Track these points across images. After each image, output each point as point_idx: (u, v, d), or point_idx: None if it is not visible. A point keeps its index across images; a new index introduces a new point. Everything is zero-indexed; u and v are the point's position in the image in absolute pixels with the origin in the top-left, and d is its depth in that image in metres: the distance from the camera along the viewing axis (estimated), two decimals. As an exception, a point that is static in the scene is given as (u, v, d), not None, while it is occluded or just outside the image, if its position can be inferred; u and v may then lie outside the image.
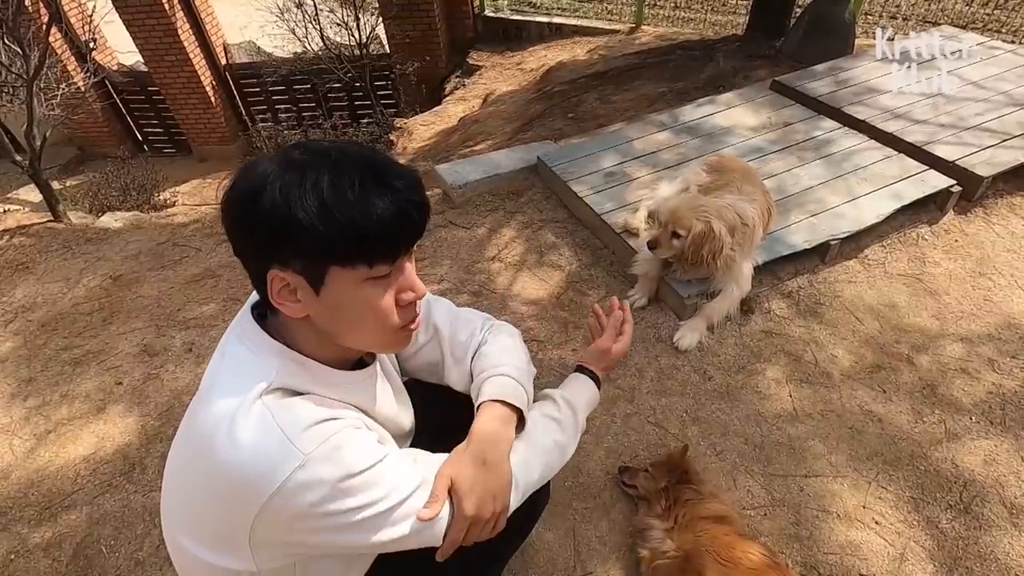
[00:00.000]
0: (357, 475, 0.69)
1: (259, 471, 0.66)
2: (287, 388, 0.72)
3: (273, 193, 0.65)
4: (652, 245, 1.93)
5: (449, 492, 0.79)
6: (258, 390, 0.70)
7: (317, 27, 6.95)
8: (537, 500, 1.05)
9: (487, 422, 0.87)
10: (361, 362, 0.87)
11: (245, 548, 0.70)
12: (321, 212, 0.64)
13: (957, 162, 2.46)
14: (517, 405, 0.91)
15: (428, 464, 0.81)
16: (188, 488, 0.75)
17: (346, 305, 0.72)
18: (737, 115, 2.98)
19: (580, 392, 1.06)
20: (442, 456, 0.85)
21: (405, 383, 1.04)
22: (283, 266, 0.68)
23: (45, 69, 3.99)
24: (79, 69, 6.31)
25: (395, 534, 0.74)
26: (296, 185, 0.65)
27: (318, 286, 0.69)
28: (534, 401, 1.02)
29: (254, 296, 0.81)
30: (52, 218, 3.70)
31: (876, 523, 1.55)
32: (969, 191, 2.44)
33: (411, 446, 0.97)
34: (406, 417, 0.96)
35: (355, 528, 0.71)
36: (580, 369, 1.11)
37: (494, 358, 0.98)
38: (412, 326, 0.80)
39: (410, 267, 0.76)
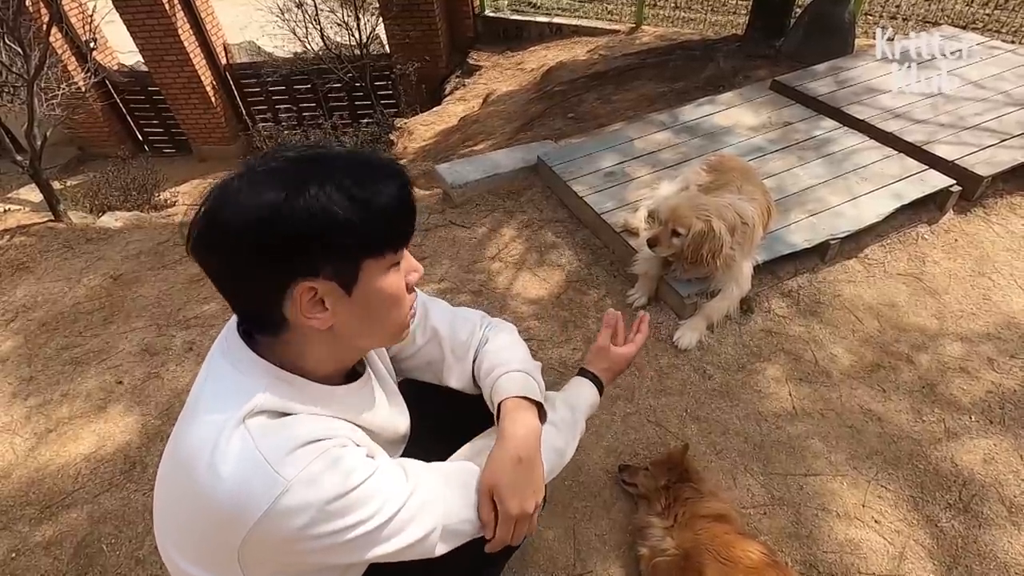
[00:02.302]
0: (344, 496, 0.68)
1: (241, 501, 0.64)
2: (272, 410, 0.70)
3: (299, 204, 0.64)
4: (652, 243, 1.94)
5: (492, 498, 0.83)
6: (241, 414, 0.68)
7: (317, 27, 6.96)
8: None
9: (513, 419, 0.89)
10: (353, 372, 0.87)
11: (235, 568, 0.69)
12: (354, 207, 0.66)
13: (957, 162, 2.46)
14: (535, 399, 0.93)
15: (418, 474, 0.80)
16: (175, 509, 0.74)
17: (375, 298, 0.73)
18: (737, 115, 2.98)
19: (579, 395, 1.05)
20: (433, 465, 0.84)
21: (399, 383, 1.03)
22: (312, 276, 0.67)
23: (46, 69, 3.99)
24: (80, 69, 6.32)
25: (389, 548, 0.73)
26: (321, 189, 0.65)
27: (351, 286, 0.70)
28: None
29: None
30: (53, 218, 3.70)
31: (876, 522, 1.55)
32: (969, 191, 2.44)
33: (409, 447, 0.97)
34: (401, 421, 0.96)
35: (347, 547, 0.70)
36: (582, 372, 1.10)
37: (499, 355, 0.99)
38: (411, 311, 0.82)
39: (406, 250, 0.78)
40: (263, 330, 0.74)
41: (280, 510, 0.65)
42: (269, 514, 0.64)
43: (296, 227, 0.64)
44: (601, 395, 1.09)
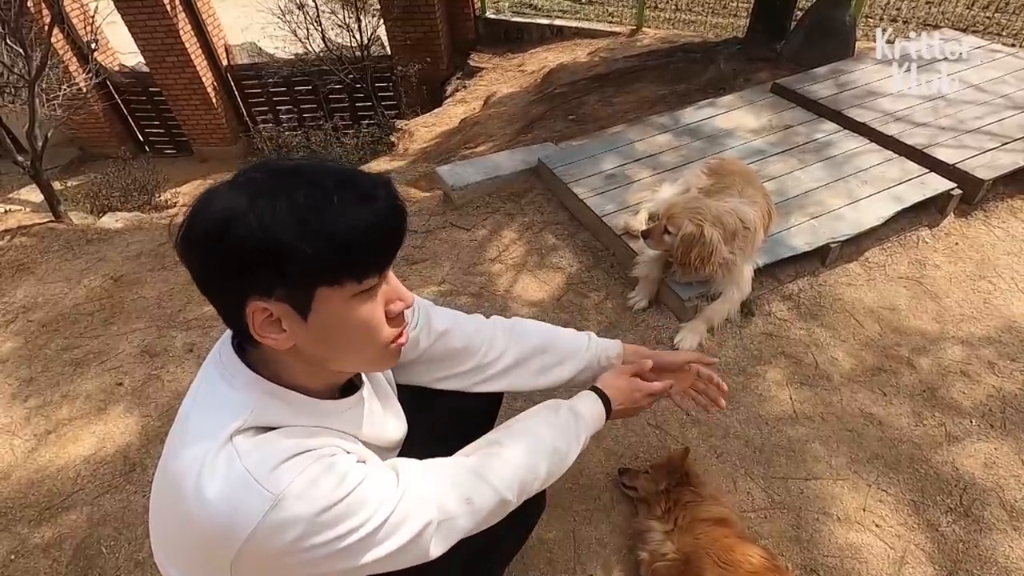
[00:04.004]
0: (335, 506, 0.67)
1: (229, 522, 0.64)
2: (261, 426, 0.69)
3: (246, 220, 0.61)
4: (645, 235, 1.96)
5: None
6: (228, 431, 0.67)
7: (318, 28, 6.97)
8: (531, 510, 1.05)
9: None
10: (350, 384, 0.86)
11: None
12: (302, 231, 0.61)
13: (957, 165, 2.46)
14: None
15: (411, 473, 0.80)
16: (166, 523, 0.74)
17: (337, 326, 0.69)
18: (738, 117, 2.98)
19: (585, 406, 1.03)
20: (428, 462, 0.84)
21: (399, 387, 1.03)
22: (265, 296, 0.64)
23: (47, 70, 4.00)
24: (81, 70, 6.32)
25: (383, 552, 0.72)
26: (269, 207, 0.61)
27: (306, 312, 0.66)
28: (537, 408, 1.02)
29: None
30: (53, 218, 3.70)
31: (876, 526, 1.55)
32: (969, 194, 2.44)
33: (408, 450, 0.97)
34: (396, 430, 0.95)
35: (341, 555, 0.69)
36: (593, 388, 1.08)
37: (549, 330, 1.16)
38: (401, 339, 0.77)
39: (393, 276, 0.73)
40: (244, 340, 0.73)
41: (270, 525, 0.64)
42: (259, 530, 0.63)
43: (243, 243, 0.61)
44: (610, 414, 1.05)
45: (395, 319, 0.75)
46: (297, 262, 0.62)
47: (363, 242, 0.64)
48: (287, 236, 0.61)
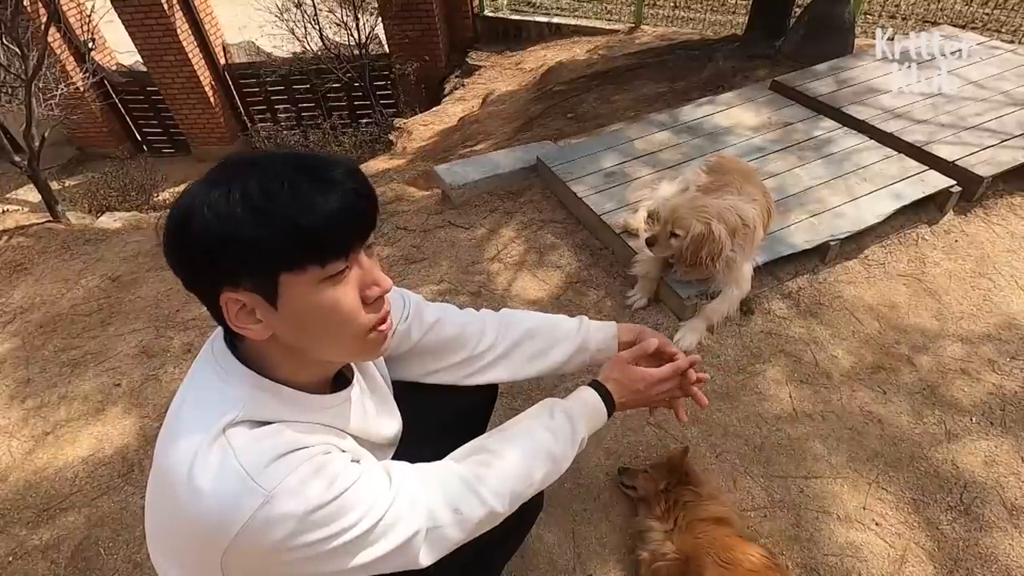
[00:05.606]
0: (326, 505, 0.67)
1: (220, 515, 0.64)
2: (253, 420, 0.69)
3: (202, 213, 0.62)
4: (650, 242, 1.94)
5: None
6: (221, 425, 0.67)
7: (316, 27, 6.95)
8: (529, 510, 1.05)
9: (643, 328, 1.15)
10: (341, 378, 0.85)
11: None
12: (256, 218, 0.61)
13: (957, 162, 2.45)
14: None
15: (403, 477, 0.79)
16: (160, 518, 0.74)
17: (309, 313, 0.68)
18: (737, 115, 2.98)
19: (581, 405, 1.00)
20: (420, 467, 0.83)
21: (394, 384, 1.02)
22: (233, 287, 0.65)
23: (44, 69, 3.98)
24: (78, 69, 6.31)
25: (372, 555, 0.72)
26: (223, 198, 0.62)
27: (274, 300, 0.66)
28: (532, 409, 1.01)
29: None
30: (51, 218, 3.69)
31: (876, 524, 1.55)
32: (969, 191, 2.44)
33: (403, 448, 0.97)
34: (390, 426, 0.94)
35: (330, 555, 0.69)
36: (592, 383, 1.04)
37: (546, 319, 1.13)
38: (384, 325, 0.75)
39: (369, 261, 0.72)
40: (232, 335, 0.73)
41: (261, 521, 0.64)
42: (250, 525, 0.63)
43: (200, 236, 0.62)
44: (612, 409, 1.01)
45: (373, 304, 0.73)
46: (254, 251, 0.63)
47: (318, 226, 0.64)
48: (240, 226, 0.62)
